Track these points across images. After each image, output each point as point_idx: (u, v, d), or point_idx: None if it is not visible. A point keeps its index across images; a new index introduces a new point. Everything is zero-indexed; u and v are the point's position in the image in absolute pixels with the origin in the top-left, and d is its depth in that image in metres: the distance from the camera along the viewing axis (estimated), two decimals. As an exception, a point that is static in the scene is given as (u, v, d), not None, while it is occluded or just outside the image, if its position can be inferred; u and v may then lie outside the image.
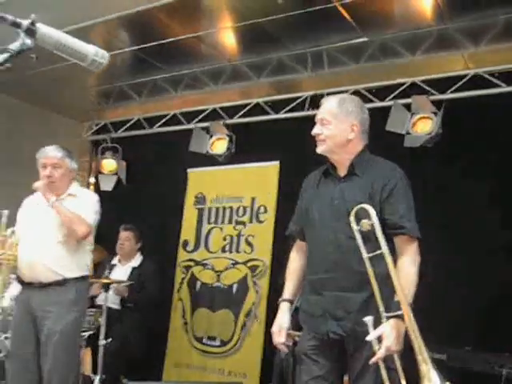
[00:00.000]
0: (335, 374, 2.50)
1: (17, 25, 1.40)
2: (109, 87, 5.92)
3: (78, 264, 3.50)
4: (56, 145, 3.59)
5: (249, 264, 5.16)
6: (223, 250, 5.37)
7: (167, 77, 5.45)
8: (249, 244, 5.22)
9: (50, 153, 3.54)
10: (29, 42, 1.42)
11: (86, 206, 3.55)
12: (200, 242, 5.52)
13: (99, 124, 6.68)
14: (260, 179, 5.29)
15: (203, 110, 5.87)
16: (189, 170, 5.76)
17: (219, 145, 5.57)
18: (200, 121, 5.85)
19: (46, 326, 3.34)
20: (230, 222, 5.40)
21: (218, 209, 5.50)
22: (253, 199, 5.29)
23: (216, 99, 5.77)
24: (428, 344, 2.15)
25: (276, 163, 5.19)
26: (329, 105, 2.56)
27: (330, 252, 2.47)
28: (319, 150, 2.57)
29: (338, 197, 2.51)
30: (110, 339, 4.62)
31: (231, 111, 5.72)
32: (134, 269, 5.17)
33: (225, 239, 5.39)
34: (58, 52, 1.51)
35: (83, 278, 3.53)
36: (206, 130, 5.70)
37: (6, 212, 3.50)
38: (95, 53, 1.55)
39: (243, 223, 5.31)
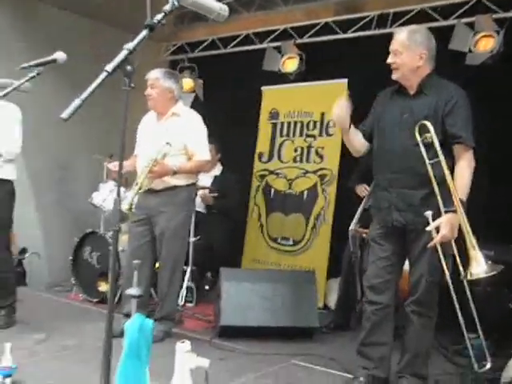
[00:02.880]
0: (397, 257, 3.09)
1: (167, -10, 1.91)
2: (184, 9, 6.31)
3: (186, 173, 4.06)
4: (159, 68, 4.15)
5: (318, 173, 5.70)
6: (294, 161, 5.92)
7: (240, -1, 5.84)
8: (318, 155, 5.75)
9: (150, 74, 4.09)
10: (176, 3, 1.94)
11: (198, 136, 4.06)
12: (274, 154, 6.09)
13: (176, 45, 7.13)
14: (329, 96, 5.61)
15: (274, 30, 6.20)
16: (263, 88, 6.21)
17: (290, 63, 5.97)
18: (272, 41, 6.21)
19: (159, 223, 4.00)
20: (301, 135, 5.91)
21: (289, 123, 6.00)
22: (322, 114, 5.75)
23: (286, 20, 6.10)
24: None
25: (344, 80, 5.55)
26: (400, 37, 2.99)
27: (397, 156, 2.99)
28: (394, 76, 3.03)
29: (408, 111, 3.00)
30: (198, 237, 5.36)
31: (301, 31, 6.04)
32: (216, 177, 5.83)
33: (296, 151, 5.92)
34: (193, 8, 2.03)
35: (192, 184, 4.14)
36: (278, 49, 6.10)
37: None
38: (219, 8, 2.06)
39: (313, 136, 5.81)
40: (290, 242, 5.83)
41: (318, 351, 3.90)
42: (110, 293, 1.77)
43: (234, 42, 6.54)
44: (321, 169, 5.69)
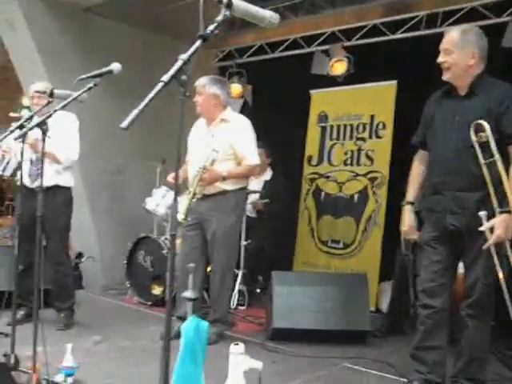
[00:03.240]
0: (450, 260, 3.04)
1: (220, 2, 1.96)
2: (232, 16, 6.38)
3: (236, 178, 4.11)
4: (208, 75, 4.22)
5: (368, 176, 5.68)
6: (345, 164, 5.91)
7: (287, 4, 5.86)
8: (368, 158, 5.72)
9: (197, 82, 4.16)
10: (227, 13, 1.98)
11: (247, 140, 4.10)
12: (323, 157, 6.09)
13: (225, 51, 7.21)
14: (378, 98, 5.67)
15: (322, 34, 6.21)
16: (311, 91, 6.22)
17: (339, 66, 5.96)
18: (319, 44, 6.23)
19: (210, 227, 4.08)
20: (350, 138, 5.89)
21: (339, 126, 5.99)
22: (372, 116, 5.73)
23: (334, 23, 6.09)
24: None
25: (393, 82, 5.53)
26: (451, 36, 2.95)
27: (451, 158, 2.94)
28: (445, 77, 2.98)
29: (459, 112, 2.96)
30: (249, 241, 5.42)
31: (349, 34, 6.03)
32: (266, 181, 5.88)
33: (346, 154, 5.91)
34: (245, 17, 2.07)
35: (241, 189, 4.19)
36: (326, 52, 6.10)
37: None
38: (270, 16, 2.09)
39: (363, 139, 5.78)
40: (341, 245, 5.82)
41: (370, 355, 3.89)
42: (169, 296, 1.82)
43: (282, 47, 6.58)
44: (371, 171, 5.66)
